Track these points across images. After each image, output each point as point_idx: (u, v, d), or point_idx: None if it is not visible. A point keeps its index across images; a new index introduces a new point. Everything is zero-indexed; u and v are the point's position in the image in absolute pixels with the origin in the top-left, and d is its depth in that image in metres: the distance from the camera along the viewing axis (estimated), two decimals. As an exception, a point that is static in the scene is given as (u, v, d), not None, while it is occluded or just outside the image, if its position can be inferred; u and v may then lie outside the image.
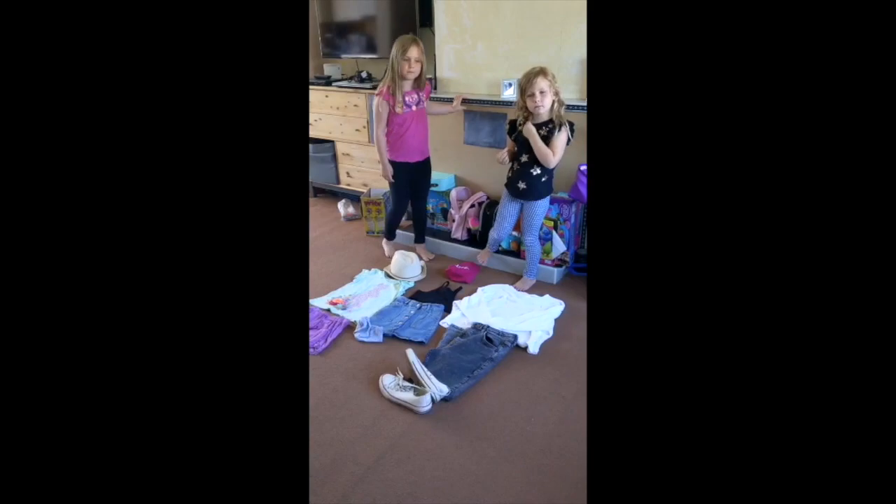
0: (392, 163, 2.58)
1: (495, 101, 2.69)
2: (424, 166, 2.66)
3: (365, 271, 2.66)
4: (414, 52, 2.35)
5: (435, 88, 2.95)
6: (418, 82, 2.47)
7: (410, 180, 2.63)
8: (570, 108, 2.45)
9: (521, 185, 2.32)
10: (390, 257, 2.73)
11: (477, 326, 2.11)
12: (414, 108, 2.50)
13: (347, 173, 3.60)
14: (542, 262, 2.54)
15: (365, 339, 2.09)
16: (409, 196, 2.69)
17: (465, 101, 2.67)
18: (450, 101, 2.70)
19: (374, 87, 3.23)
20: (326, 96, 3.47)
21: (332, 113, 3.49)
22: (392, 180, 2.56)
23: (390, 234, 2.85)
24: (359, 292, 2.47)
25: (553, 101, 2.18)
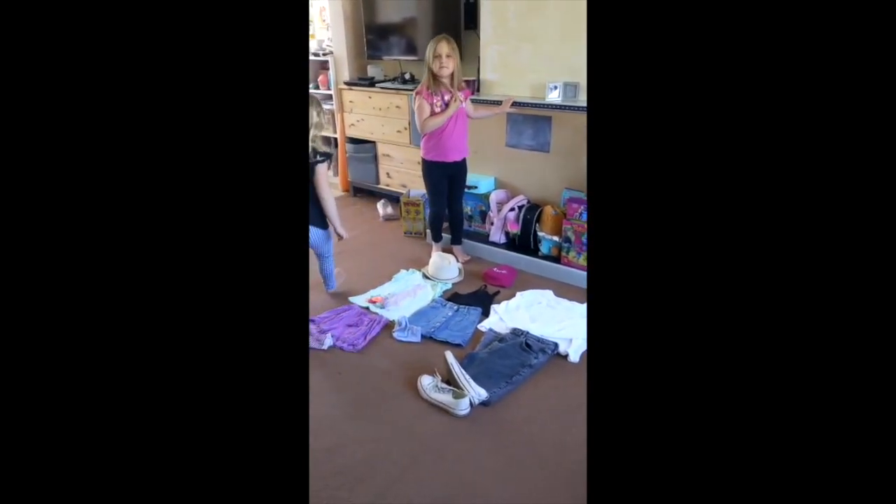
0: (429, 162, 2.59)
1: (539, 104, 2.65)
2: (461, 165, 2.65)
3: (403, 271, 2.67)
4: (443, 49, 2.37)
5: (478, 90, 2.94)
6: (453, 82, 2.46)
7: (448, 178, 2.63)
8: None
9: None
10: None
11: (516, 332, 2.09)
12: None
13: (387, 174, 3.63)
14: (579, 267, 2.50)
15: (403, 339, 2.10)
16: (447, 196, 2.69)
17: (513, 104, 2.64)
18: (496, 103, 2.68)
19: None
20: (369, 97, 3.51)
21: (375, 114, 3.52)
22: (463, 99, 2.50)
23: (436, 236, 2.84)
24: (397, 291, 2.48)
25: None
